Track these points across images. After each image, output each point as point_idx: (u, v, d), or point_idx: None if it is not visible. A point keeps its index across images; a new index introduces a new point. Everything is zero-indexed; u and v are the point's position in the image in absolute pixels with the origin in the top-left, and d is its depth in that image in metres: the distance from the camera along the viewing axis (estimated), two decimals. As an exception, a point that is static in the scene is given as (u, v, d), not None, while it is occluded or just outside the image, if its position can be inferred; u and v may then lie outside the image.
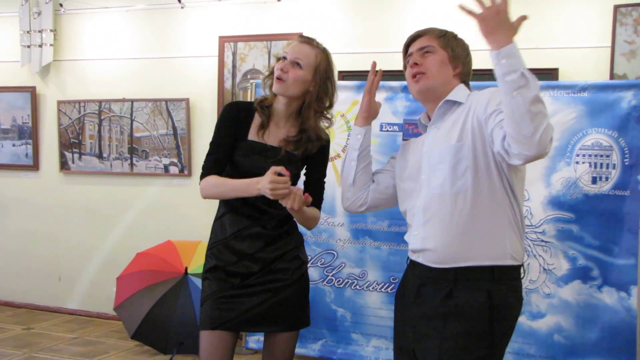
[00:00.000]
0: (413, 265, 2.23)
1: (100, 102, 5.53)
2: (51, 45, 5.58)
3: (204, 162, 2.54)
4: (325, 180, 2.65)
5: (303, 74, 2.43)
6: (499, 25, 1.93)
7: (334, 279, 4.38)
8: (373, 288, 4.30)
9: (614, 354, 3.68)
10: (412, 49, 2.32)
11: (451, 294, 2.07)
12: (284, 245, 2.51)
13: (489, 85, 3.80)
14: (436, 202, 2.13)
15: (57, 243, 5.77)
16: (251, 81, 4.70)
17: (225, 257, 2.50)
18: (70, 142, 5.65)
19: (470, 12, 1.97)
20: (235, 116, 2.52)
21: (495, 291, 2.06)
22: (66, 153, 5.66)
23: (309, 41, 2.49)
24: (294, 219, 2.55)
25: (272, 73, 2.50)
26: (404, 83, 4.21)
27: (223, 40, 5.09)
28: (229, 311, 2.46)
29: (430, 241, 2.13)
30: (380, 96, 4.27)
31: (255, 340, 4.58)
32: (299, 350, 4.45)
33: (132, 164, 5.44)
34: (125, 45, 5.50)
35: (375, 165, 2.59)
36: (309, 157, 2.55)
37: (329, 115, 2.57)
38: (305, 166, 2.59)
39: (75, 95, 5.65)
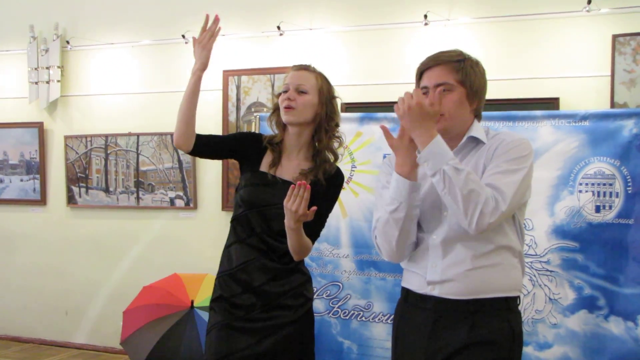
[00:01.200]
0: (422, 299, 2.19)
1: (106, 136, 5.59)
2: (58, 81, 5.66)
3: None
4: (327, 218, 2.63)
5: (310, 98, 2.48)
6: (415, 123, 1.98)
7: (339, 310, 4.38)
8: (379, 319, 4.29)
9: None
10: (427, 81, 2.20)
11: (474, 324, 2.08)
12: (290, 282, 2.51)
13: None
14: (457, 238, 2.13)
15: (64, 277, 5.78)
16: (255, 114, 4.73)
17: (230, 288, 2.51)
18: (77, 177, 5.69)
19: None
20: (251, 139, 2.60)
21: (512, 320, 2.13)
22: (73, 187, 5.70)
23: (305, 67, 2.55)
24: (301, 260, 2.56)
25: (276, 109, 2.55)
26: (406, 114, 4.27)
27: (227, 74, 5.15)
28: (232, 344, 2.47)
29: (450, 273, 2.12)
30: (383, 128, 4.30)
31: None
32: (305, 383, 4.44)
33: (138, 198, 5.47)
34: (131, 80, 5.57)
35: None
36: (319, 193, 2.51)
37: (338, 134, 2.60)
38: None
39: (82, 130, 5.71)
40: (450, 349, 2.09)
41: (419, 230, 2.25)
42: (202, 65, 2.52)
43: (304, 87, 2.47)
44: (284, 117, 2.49)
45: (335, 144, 2.61)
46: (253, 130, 4.60)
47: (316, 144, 2.55)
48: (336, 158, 2.59)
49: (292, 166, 2.54)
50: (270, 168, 2.53)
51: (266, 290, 2.48)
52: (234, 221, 2.58)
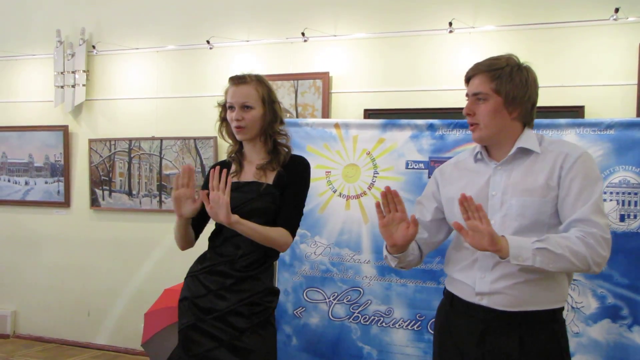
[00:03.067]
0: (469, 307, 2.19)
1: (130, 140, 5.64)
2: (84, 85, 5.73)
3: None
4: (300, 199, 2.64)
5: (255, 112, 2.58)
6: (486, 244, 2.00)
7: (360, 316, 4.38)
8: (399, 325, 4.29)
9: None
10: (468, 89, 2.24)
11: (523, 339, 2.09)
12: (249, 290, 2.54)
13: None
14: None
15: (87, 279, 5.84)
16: (278, 119, 4.76)
17: (195, 289, 2.60)
18: (101, 180, 5.75)
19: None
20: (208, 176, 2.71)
21: (559, 331, 2.14)
22: (97, 190, 5.75)
23: (243, 81, 2.60)
24: (269, 263, 2.60)
25: (224, 120, 2.66)
26: (430, 121, 4.28)
27: (251, 79, 5.18)
28: (197, 345, 2.54)
29: (499, 286, 2.13)
30: (405, 134, 4.32)
31: (281, 378, 4.57)
32: (325, 388, 4.45)
33: (160, 201, 5.52)
34: (155, 85, 5.62)
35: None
36: (284, 182, 2.62)
37: (283, 132, 2.68)
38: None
39: (106, 133, 5.77)
40: (500, 358, 2.10)
41: (459, 237, 2.24)
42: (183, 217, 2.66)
43: (248, 104, 2.57)
44: (238, 137, 2.62)
45: (283, 140, 2.70)
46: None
47: (272, 146, 2.66)
48: (289, 150, 2.68)
49: (252, 168, 2.64)
50: (235, 176, 2.66)
51: (225, 296, 2.54)
52: (212, 232, 2.71)
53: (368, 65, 4.91)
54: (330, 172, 4.51)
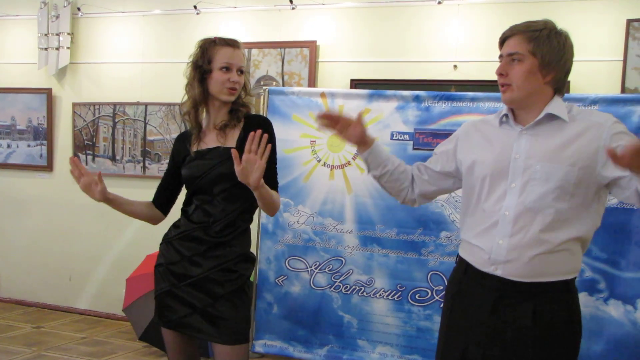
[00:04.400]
0: (483, 276, 2.17)
1: (114, 105, 5.60)
2: (68, 48, 5.66)
3: None
4: (276, 162, 2.63)
5: (243, 77, 2.60)
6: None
7: (341, 285, 4.41)
8: (380, 295, 4.33)
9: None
10: (503, 49, 2.20)
11: (537, 308, 2.09)
12: (222, 256, 2.53)
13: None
14: (529, 217, 2.11)
15: (69, 243, 5.83)
16: (264, 88, 4.74)
17: (169, 256, 2.60)
18: (84, 144, 5.71)
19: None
20: (177, 146, 2.72)
21: (571, 301, 2.15)
22: (80, 155, 5.72)
23: (238, 45, 2.60)
24: (243, 228, 2.58)
25: (195, 80, 2.58)
26: (415, 92, 4.28)
27: (237, 46, 5.14)
28: (171, 312, 2.56)
29: (517, 254, 2.11)
30: (391, 105, 4.32)
31: (262, 344, 4.61)
32: (305, 355, 4.50)
33: (144, 167, 5.49)
34: (141, 50, 5.56)
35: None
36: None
37: (249, 101, 2.68)
38: None
39: (90, 97, 5.72)
40: (514, 327, 2.10)
41: (478, 200, 2.23)
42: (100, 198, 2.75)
43: (243, 68, 2.58)
44: (227, 97, 2.56)
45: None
46: (261, 105, 4.62)
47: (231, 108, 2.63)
48: (248, 109, 2.66)
49: (213, 133, 2.61)
50: (196, 144, 2.63)
51: (199, 262, 2.53)
52: (183, 202, 2.69)
53: (355, 35, 4.88)
54: (315, 141, 4.51)
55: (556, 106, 2.15)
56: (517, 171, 2.13)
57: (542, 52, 2.13)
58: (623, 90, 4.10)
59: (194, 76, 2.59)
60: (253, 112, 2.69)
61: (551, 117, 2.15)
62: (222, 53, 2.55)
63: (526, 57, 2.13)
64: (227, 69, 2.54)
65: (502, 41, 2.23)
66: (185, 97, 2.64)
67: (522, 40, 2.15)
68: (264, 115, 4.61)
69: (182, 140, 2.69)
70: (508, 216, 2.13)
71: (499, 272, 2.12)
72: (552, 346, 2.10)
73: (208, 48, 2.58)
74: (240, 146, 2.54)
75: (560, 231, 2.10)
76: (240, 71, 2.57)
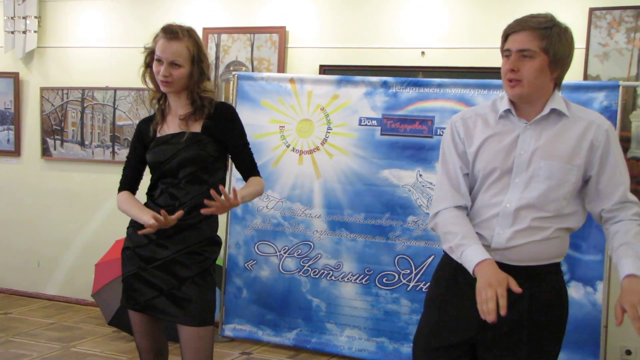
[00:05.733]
0: None
1: (83, 89, 5.56)
2: (35, 31, 5.59)
3: (121, 176, 2.73)
4: (249, 144, 2.68)
5: (183, 70, 2.54)
6: None
7: (309, 269, 4.46)
8: (348, 279, 4.38)
9: (580, 346, 3.78)
10: (511, 44, 2.15)
11: (532, 291, 2.15)
12: (187, 239, 2.56)
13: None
14: (530, 211, 2.16)
15: (37, 229, 5.79)
16: (234, 73, 4.75)
17: (136, 239, 2.61)
18: (53, 129, 5.67)
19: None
20: (140, 130, 2.70)
21: (561, 284, 2.23)
22: (48, 140, 5.68)
23: (174, 36, 2.54)
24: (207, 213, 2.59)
25: (148, 66, 2.61)
26: (384, 78, 4.33)
27: (207, 31, 5.13)
28: (138, 294, 2.58)
29: (516, 242, 2.16)
30: (359, 91, 4.37)
31: (231, 329, 4.64)
32: (274, 339, 4.54)
33: (113, 152, 5.47)
34: (110, 34, 5.52)
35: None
36: (223, 136, 2.61)
37: (209, 89, 2.65)
38: (226, 147, 2.65)
39: (59, 82, 5.67)
40: (512, 311, 2.08)
41: (479, 189, 2.25)
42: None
43: (178, 62, 2.53)
44: (162, 88, 2.58)
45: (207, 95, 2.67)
46: (231, 91, 4.63)
47: (193, 99, 2.63)
48: (212, 100, 2.65)
49: (176, 120, 2.62)
50: (159, 128, 2.64)
51: (165, 245, 2.56)
52: (148, 187, 2.69)
53: (325, 21, 4.90)
54: (284, 126, 4.53)
55: (558, 101, 2.18)
56: (521, 167, 2.17)
57: (553, 50, 2.13)
58: (585, 77, 4.19)
59: (143, 64, 2.62)
60: (216, 98, 2.70)
61: (554, 113, 2.18)
62: (158, 45, 2.54)
63: (538, 53, 2.12)
64: (159, 60, 2.53)
65: (507, 35, 2.19)
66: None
67: (533, 37, 2.12)
68: (234, 99, 4.63)
69: (145, 124, 2.69)
70: (509, 209, 2.16)
71: (497, 258, 2.16)
72: (545, 327, 2.18)
73: (155, 37, 2.58)
74: (205, 132, 2.57)
75: (556, 224, 2.17)
76: (174, 64, 2.52)
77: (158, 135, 2.63)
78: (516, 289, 2.02)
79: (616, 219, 2.16)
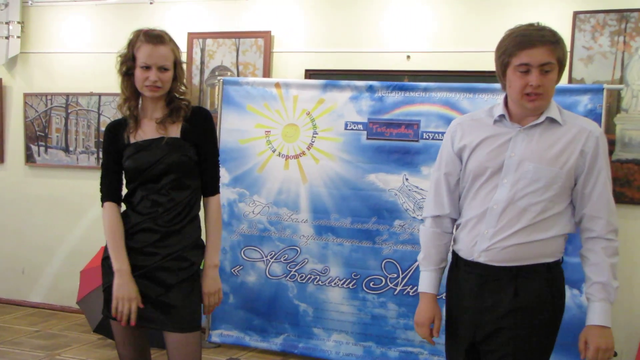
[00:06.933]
0: (469, 264, 2.29)
1: (67, 95, 5.52)
2: (18, 37, 5.55)
3: (100, 184, 2.64)
4: (218, 155, 2.68)
5: (170, 74, 2.53)
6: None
7: (296, 274, 4.45)
8: (335, 284, 4.37)
9: (565, 349, 3.77)
10: (531, 59, 2.16)
11: (517, 290, 2.21)
12: (172, 245, 2.53)
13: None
14: (517, 211, 2.22)
15: (22, 236, 5.74)
16: (219, 78, 4.73)
17: None
18: (37, 135, 5.63)
19: None
20: (111, 136, 2.61)
21: (552, 281, 2.26)
22: (32, 146, 5.63)
23: (160, 40, 2.52)
24: (192, 216, 2.59)
25: (127, 74, 2.55)
26: (369, 82, 4.33)
27: (192, 36, 5.12)
28: None
29: (499, 243, 2.23)
30: (345, 95, 4.36)
31: (218, 334, 4.62)
32: (261, 344, 4.52)
33: (98, 158, 5.43)
34: (94, 40, 5.49)
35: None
36: (198, 140, 2.58)
37: (186, 91, 2.64)
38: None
39: (42, 88, 5.63)
40: (496, 312, 2.22)
41: (471, 187, 2.32)
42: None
43: (166, 66, 2.51)
44: (149, 94, 2.53)
45: (185, 96, 2.66)
46: (200, 102, 4.61)
47: (169, 100, 2.60)
48: (189, 103, 2.63)
49: (152, 124, 2.58)
50: (135, 133, 2.58)
51: (149, 252, 2.53)
52: (126, 194, 2.64)
53: (310, 26, 4.90)
54: (269, 131, 4.52)
55: (553, 109, 2.25)
56: (510, 168, 2.23)
57: (562, 60, 2.21)
58: (570, 80, 4.21)
59: (120, 70, 2.56)
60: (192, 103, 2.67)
61: (548, 120, 2.24)
62: (142, 51, 2.50)
63: (555, 66, 2.19)
64: (146, 67, 2.50)
65: (518, 50, 2.19)
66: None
67: (552, 50, 2.17)
68: (219, 104, 4.62)
69: (116, 130, 2.60)
70: (496, 209, 2.23)
71: (482, 259, 2.25)
72: (533, 324, 2.21)
73: (133, 43, 2.53)
74: (184, 137, 2.54)
75: (546, 230, 2.22)
76: (164, 69, 2.50)
77: (133, 140, 2.57)
78: (435, 335, 2.37)
79: (593, 233, 2.25)
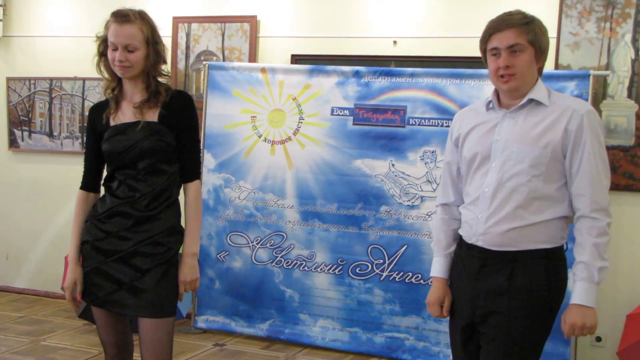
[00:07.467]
0: (470, 247, 2.34)
1: (51, 79, 5.46)
2: (0, 20, 5.48)
3: (83, 168, 2.66)
4: (199, 141, 2.65)
5: (140, 53, 2.48)
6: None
7: (282, 260, 4.44)
8: (321, 269, 4.38)
9: (551, 334, 3.81)
10: (499, 43, 2.26)
11: (513, 273, 2.25)
12: (150, 229, 2.51)
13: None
14: (506, 193, 2.26)
15: (5, 221, 5.70)
16: (204, 63, 4.70)
17: (94, 233, 2.54)
18: (20, 120, 5.57)
19: None
20: (92, 119, 2.60)
21: (551, 267, 2.27)
22: (15, 131, 5.58)
23: (126, 19, 2.48)
24: (171, 201, 2.57)
25: (102, 55, 2.54)
26: (355, 68, 4.31)
27: (177, 20, 5.07)
28: (98, 289, 2.53)
29: (493, 227, 2.27)
30: (331, 80, 4.35)
31: (204, 320, 4.62)
32: (247, 330, 4.52)
33: (82, 143, 5.39)
34: (78, 23, 5.42)
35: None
36: (177, 125, 2.55)
37: (165, 72, 2.61)
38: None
39: (26, 72, 5.57)
40: (491, 293, 2.27)
41: (467, 173, 2.38)
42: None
43: (132, 46, 2.47)
44: (120, 74, 2.51)
45: (164, 80, 2.62)
46: (185, 87, 4.58)
47: (149, 83, 2.57)
48: (169, 88, 2.60)
49: (131, 108, 2.55)
50: (114, 116, 2.56)
51: (126, 236, 2.51)
52: (105, 177, 2.62)
53: (296, 11, 4.86)
54: (255, 116, 4.50)
55: (539, 91, 2.30)
56: (497, 152, 2.29)
57: (538, 42, 2.27)
58: (557, 66, 4.21)
59: (97, 52, 2.54)
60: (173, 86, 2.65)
61: (532, 102, 2.29)
62: (110, 30, 2.47)
63: (526, 47, 2.25)
64: (115, 47, 2.46)
65: (488, 35, 2.30)
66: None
67: (520, 32, 2.25)
68: (205, 89, 4.59)
69: (98, 112, 2.58)
70: (487, 193, 2.29)
71: (480, 243, 2.30)
72: (527, 309, 2.24)
73: (107, 24, 2.50)
74: (161, 122, 2.51)
75: (540, 213, 2.25)
76: (129, 49, 2.45)
77: (112, 123, 2.54)
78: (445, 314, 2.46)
79: (578, 212, 2.26)
